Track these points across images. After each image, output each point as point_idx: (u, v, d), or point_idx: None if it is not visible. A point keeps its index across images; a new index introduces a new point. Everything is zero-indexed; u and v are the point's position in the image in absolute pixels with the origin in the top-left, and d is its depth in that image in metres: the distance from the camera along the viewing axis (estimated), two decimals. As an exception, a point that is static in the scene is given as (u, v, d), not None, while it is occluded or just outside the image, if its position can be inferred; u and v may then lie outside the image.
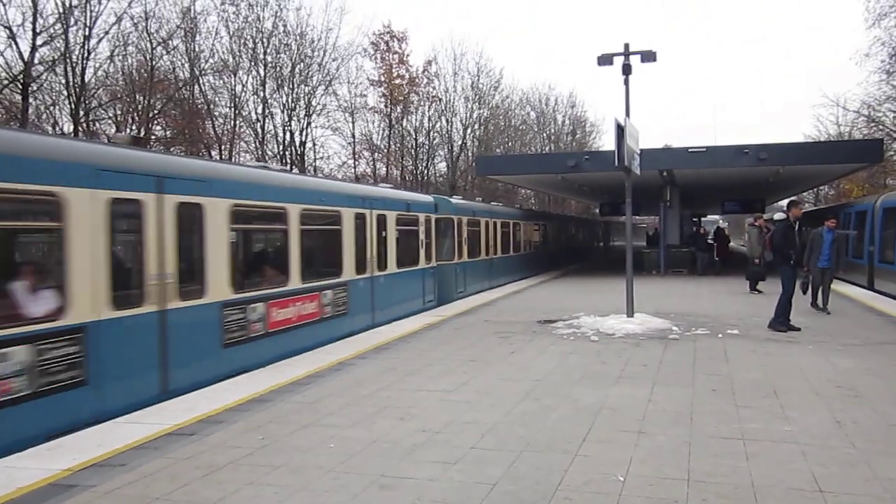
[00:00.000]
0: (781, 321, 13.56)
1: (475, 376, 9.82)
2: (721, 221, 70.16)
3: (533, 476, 5.78)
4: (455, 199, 24.95)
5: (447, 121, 48.25)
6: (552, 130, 64.72)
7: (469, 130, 50.07)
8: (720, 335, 13.13)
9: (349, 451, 6.47)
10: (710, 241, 33.30)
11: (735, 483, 5.57)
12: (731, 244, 46.06)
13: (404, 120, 45.85)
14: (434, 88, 46.77)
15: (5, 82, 23.43)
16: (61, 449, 6.67)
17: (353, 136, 43.19)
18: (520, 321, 15.63)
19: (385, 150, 45.36)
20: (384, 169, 45.37)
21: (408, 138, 46.45)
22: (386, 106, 44.34)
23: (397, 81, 44.11)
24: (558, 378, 9.63)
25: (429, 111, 46.85)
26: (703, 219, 54.37)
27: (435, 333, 14.07)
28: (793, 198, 32.11)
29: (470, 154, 49.34)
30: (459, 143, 49.38)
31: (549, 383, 9.30)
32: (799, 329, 13.41)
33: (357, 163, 44.06)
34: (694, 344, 12.25)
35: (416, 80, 45.30)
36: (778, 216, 14.88)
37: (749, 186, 35.55)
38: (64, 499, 5.42)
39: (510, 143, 57.00)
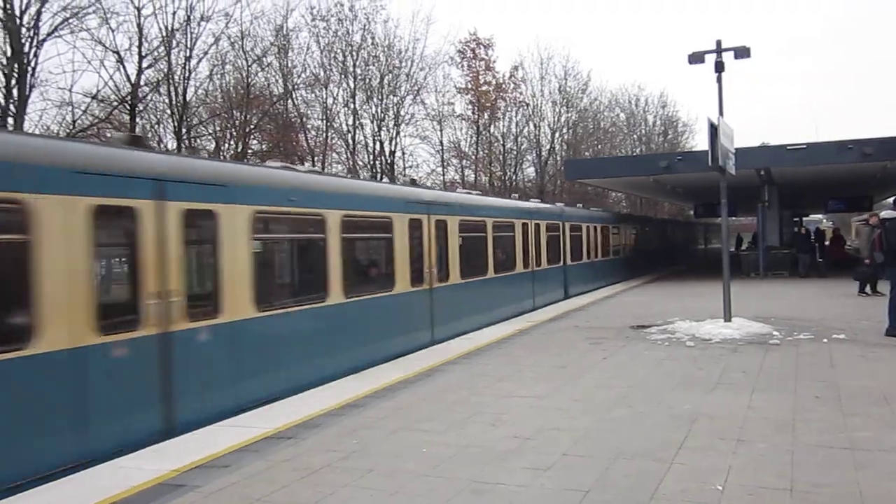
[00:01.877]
0: None
1: (567, 382, 9.73)
2: (825, 221, 67.06)
3: (626, 484, 5.69)
4: (558, 206, 25.65)
5: (535, 125, 48.08)
6: (643, 132, 63.46)
7: (557, 134, 49.72)
8: (825, 340, 12.54)
9: (441, 456, 6.54)
10: (812, 242, 31.87)
11: (841, 494, 5.31)
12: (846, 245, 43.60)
13: (492, 126, 45.95)
14: (521, 93, 46.73)
15: (115, 103, 24.81)
16: (167, 451, 7.01)
17: (442, 144, 43.59)
18: (612, 326, 15.38)
19: (473, 157, 45.55)
20: (473, 175, 45.56)
21: (496, 144, 46.51)
22: (473, 113, 44.56)
23: (484, 88, 44.25)
24: (652, 384, 9.43)
25: (516, 116, 46.82)
26: (804, 219, 52.10)
27: (526, 339, 14.02)
28: (903, 194, 30.38)
29: (558, 158, 48.94)
30: (547, 147, 49.07)
31: (642, 390, 9.12)
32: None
33: (445, 170, 44.46)
34: (796, 349, 11.75)
35: (503, 86, 45.34)
36: (885, 214, 14.04)
37: (854, 183, 33.82)
38: (173, 498, 5.70)
39: (599, 146, 56.20)
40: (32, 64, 21.50)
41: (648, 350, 12.20)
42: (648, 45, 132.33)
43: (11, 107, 20.97)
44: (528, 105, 46.95)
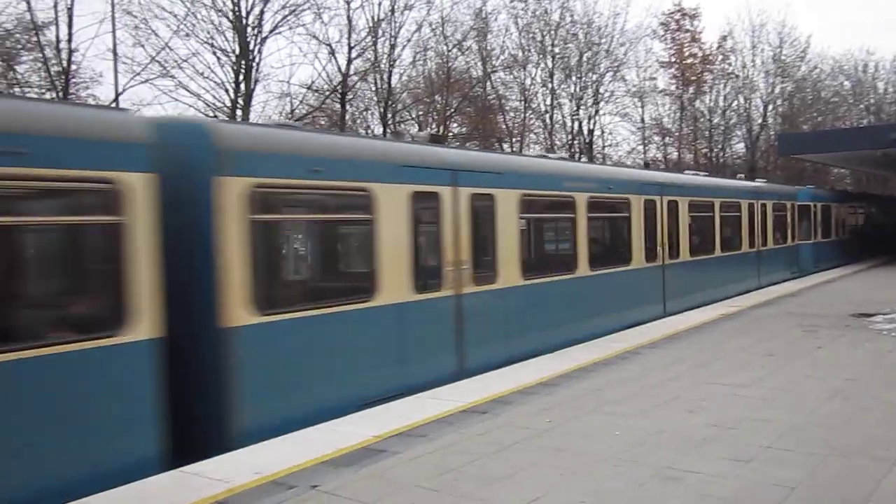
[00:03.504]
0: None
1: (774, 371, 9.14)
2: None
3: (838, 483, 5.27)
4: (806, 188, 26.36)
5: (745, 98, 45.14)
6: (871, 101, 57.27)
7: (770, 107, 46.33)
8: None
9: (634, 440, 6.42)
10: None
11: None
12: None
13: (697, 100, 43.74)
14: (730, 65, 44.08)
15: (327, 93, 26.57)
16: (368, 418, 7.47)
17: (643, 121, 42.26)
18: (829, 314, 14.18)
19: (677, 134, 43.68)
20: (676, 153, 43.73)
21: (701, 120, 44.24)
22: (677, 87, 42.71)
23: (689, 61, 42.25)
24: (874, 377, 8.62)
25: (724, 89, 44.22)
26: None
27: (730, 324, 13.33)
28: None
29: (771, 132, 45.57)
30: (759, 121, 45.88)
31: (862, 383, 8.36)
32: None
33: (647, 148, 43.06)
34: None
35: (710, 58, 43.03)
36: None
37: None
38: (375, 461, 6.10)
39: (820, 119, 51.54)
40: (257, 60, 23.58)
41: (871, 340, 11.13)
42: (879, 4, 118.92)
43: (240, 100, 23.15)
44: (737, 77, 44.22)
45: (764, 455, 5.92)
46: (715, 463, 5.76)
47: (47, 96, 20.94)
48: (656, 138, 43.83)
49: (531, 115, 37.20)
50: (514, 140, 35.88)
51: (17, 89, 21.72)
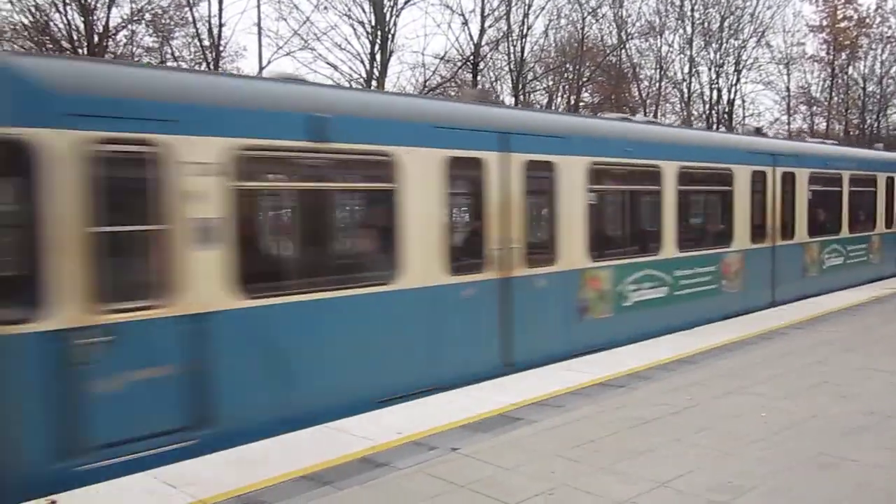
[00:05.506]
0: None
1: (936, 359, 8.52)
2: None
3: None
4: None
5: (909, 62, 41.53)
6: None
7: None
8: None
9: (781, 424, 6.18)
10: None
11: None
12: None
13: (850, 67, 40.72)
14: (889, 28, 40.59)
15: (459, 63, 26.66)
16: (503, 386, 7.57)
17: (788, 90, 39.89)
18: None
19: (826, 103, 40.91)
20: (824, 124, 41.00)
21: (854, 88, 41.19)
22: (828, 53, 39.91)
23: (843, 24, 39.33)
24: None
25: (882, 55, 40.86)
26: None
27: (883, 308, 12.50)
28: None
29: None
30: (921, 89, 42.15)
31: None
32: None
33: (792, 118, 40.63)
34: None
35: (867, 21, 39.80)
36: None
37: None
38: (513, 428, 6.19)
39: None
40: (392, 31, 23.94)
41: None
42: None
43: (375, 70, 23.64)
44: (897, 41, 40.71)
45: (928, 447, 5.56)
46: (873, 452, 5.45)
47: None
48: (802, 108, 41.28)
49: (667, 84, 35.90)
50: (647, 110, 34.76)
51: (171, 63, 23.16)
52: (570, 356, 8.75)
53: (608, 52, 33.16)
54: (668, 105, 36.65)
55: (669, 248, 10.67)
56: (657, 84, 35.43)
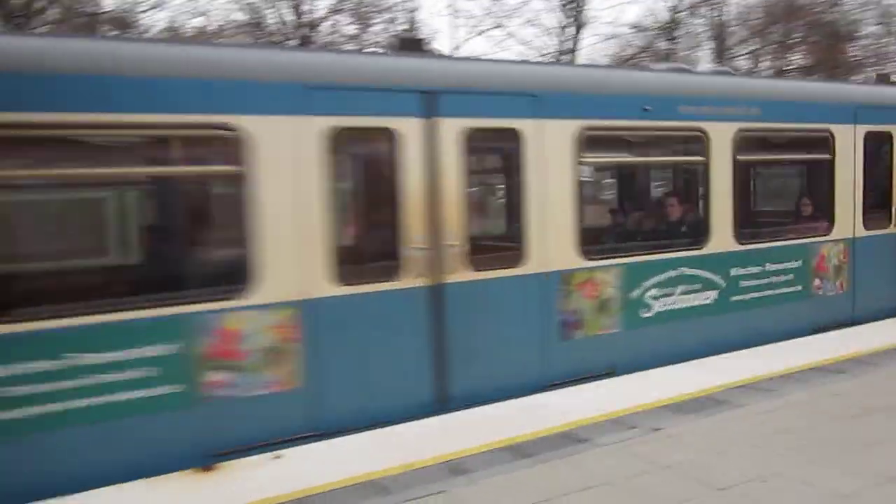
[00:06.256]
0: None
1: None
2: None
3: None
4: None
5: None
6: None
7: None
8: None
9: None
10: None
11: None
12: None
13: None
14: None
15: (655, 31, 25.67)
16: (709, 366, 7.26)
17: None
18: None
19: None
20: None
21: None
22: None
23: None
24: None
25: None
26: None
27: None
28: None
29: None
30: None
31: None
32: None
33: None
34: None
35: None
36: None
37: None
38: (719, 411, 5.95)
39: None
40: (583, 3, 23.55)
41: None
42: None
43: (566, 44, 23.40)
44: None
45: None
46: None
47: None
48: None
49: (892, 41, 32.23)
50: (867, 72, 31.47)
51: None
52: (547, 386, 6.78)
53: (823, 8, 30.32)
54: (892, 65, 32.91)
55: (721, 239, 8.03)
56: (880, 41, 31.95)
